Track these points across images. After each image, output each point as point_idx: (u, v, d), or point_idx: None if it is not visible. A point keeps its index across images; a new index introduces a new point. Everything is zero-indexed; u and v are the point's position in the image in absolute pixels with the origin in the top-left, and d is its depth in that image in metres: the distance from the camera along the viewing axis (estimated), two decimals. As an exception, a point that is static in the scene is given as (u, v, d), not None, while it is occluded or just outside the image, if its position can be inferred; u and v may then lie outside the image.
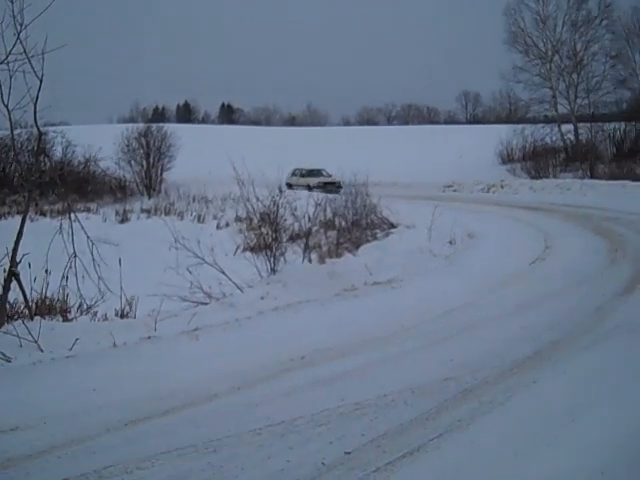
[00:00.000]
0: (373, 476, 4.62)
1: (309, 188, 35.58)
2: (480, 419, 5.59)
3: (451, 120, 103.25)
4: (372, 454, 4.96)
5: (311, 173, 41.36)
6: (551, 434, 5.22)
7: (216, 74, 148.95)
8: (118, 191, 34.04)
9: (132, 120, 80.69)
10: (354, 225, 18.53)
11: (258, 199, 14.11)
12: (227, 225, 22.94)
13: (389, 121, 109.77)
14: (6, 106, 8.71)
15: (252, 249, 14.67)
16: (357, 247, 15.50)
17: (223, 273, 11.51)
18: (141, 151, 37.22)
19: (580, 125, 44.25)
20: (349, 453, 4.97)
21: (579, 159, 40.80)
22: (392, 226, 18.91)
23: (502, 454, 4.91)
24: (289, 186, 34.59)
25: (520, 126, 45.57)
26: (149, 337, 8.32)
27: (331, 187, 35.85)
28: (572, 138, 44.64)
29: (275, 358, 7.53)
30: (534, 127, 45.02)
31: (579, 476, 4.49)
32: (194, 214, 26.15)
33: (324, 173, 40.97)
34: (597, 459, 4.71)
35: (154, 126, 40.15)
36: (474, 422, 5.53)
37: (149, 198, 33.73)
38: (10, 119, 8.91)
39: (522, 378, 6.59)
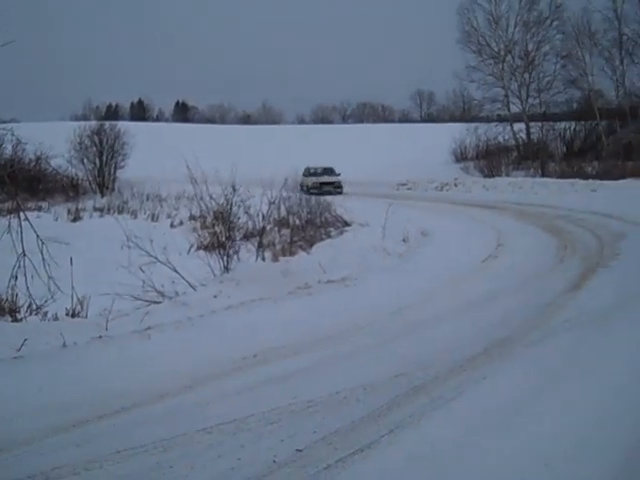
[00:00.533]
0: (324, 473, 4.62)
1: (307, 189, 34.22)
2: (430, 414, 5.63)
3: (405, 119, 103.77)
4: (323, 451, 4.96)
5: (315, 173, 39.66)
6: (498, 428, 5.29)
7: (170, 72, 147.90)
8: (70, 190, 33.60)
9: (85, 118, 79.80)
10: (308, 223, 18.55)
11: (212, 197, 14.05)
12: (181, 224, 22.79)
13: (344, 119, 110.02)
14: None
15: (206, 248, 14.59)
16: (311, 245, 15.52)
17: (176, 272, 11.44)
18: (94, 149, 36.84)
19: (532, 124, 44.88)
20: (301, 450, 4.97)
21: (531, 158, 41.40)
22: (346, 224, 18.98)
23: (451, 448, 4.95)
24: (301, 188, 33.34)
25: (473, 125, 46.07)
26: (100, 337, 8.23)
27: (328, 188, 35.72)
28: (524, 137, 45.26)
29: (227, 356, 7.50)
30: (487, 126, 45.56)
31: (524, 468, 4.54)
32: (148, 213, 25.93)
33: (330, 172, 39.65)
34: (542, 451, 4.78)
35: (107, 124, 39.79)
36: (424, 417, 5.56)
37: (102, 197, 33.40)
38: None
39: (472, 374, 6.64)
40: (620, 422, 5.22)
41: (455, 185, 35.44)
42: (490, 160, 42.34)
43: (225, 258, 12.43)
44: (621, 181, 27.19)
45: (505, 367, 6.84)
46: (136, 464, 4.83)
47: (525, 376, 6.50)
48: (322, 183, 37.29)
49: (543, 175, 36.50)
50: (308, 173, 39.23)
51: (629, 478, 4.31)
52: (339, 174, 39.19)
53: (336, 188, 36.43)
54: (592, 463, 4.56)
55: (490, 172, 40.09)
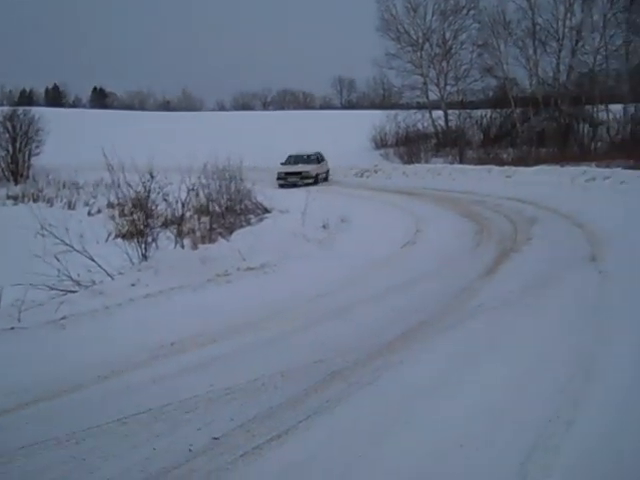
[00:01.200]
0: (241, 460, 4.63)
1: (281, 180, 32.00)
2: (348, 400, 5.68)
3: (327, 105, 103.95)
4: (241, 438, 4.96)
5: (290, 161, 34.43)
6: (415, 411, 5.37)
7: (87, 57, 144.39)
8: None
9: (-4, 103, 77.34)
10: (228, 210, 18.43)
11: (130, 185, 13.83)
12: (99, 212, 22.38)
13: (265, 106, 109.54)
14: None
15: (124, 236, 14.35)
16: (231, 233, 15.43)
17: (93, 260, 11.22)
18: (7, 135, 35.81)
19: (450, 111, 45.49)
20: (217, 438, 4.96)
21: (449, 145, 42.02)
22: (266, 211, 18.95)
23: (367, 431, 5.01)
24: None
25: (393, 112, 46.42)
26: (12, 328, 8.05)
27: (293, 179, 31.70)
28: (442, 124, 45.87)
29: (144, 345, 7.41)
30: (406, 113, 45.97)
31: (440, 450, 4.63)
32: (64, 201, 25.36)
33: (311, 160, 34.25)
34: (457, 433, 4.88)
35: (20, 109, 38.68)
36: (342, 403, 5.61)
37: (16, 184, 32.52)
38: None
39: (390, 358, 6.72)
40: (532, 403, 5.36)
41: (375, 172, 35.67)
42: (409, 147, 42.79)
43: (143, 246, 12.26)
44: (535, 167, 27.80)
45: (422, 351, 6.94)
46: (48, 458, 4.74)
47: (441, 359, 6.62)
48: (287, 173, 32.37)
49: (461, 162, 37.09)
50: (287, 161, 34.51)
51: (540, 457, 4.43)
52: (321, 161, 34.68)
53: (303, 179, 31.62)
54: (506, 443, 4.68)
55: (409, 159, 40.52)
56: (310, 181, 31.59)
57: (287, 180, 31.56)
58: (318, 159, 34.55)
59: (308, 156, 34.47)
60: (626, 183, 20.41)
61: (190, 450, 4.78)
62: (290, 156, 34.62)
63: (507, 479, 4.19)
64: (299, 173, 32.04)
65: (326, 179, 34.38)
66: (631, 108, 36.66)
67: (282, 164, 33.69)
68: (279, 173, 32.33)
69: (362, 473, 4.42)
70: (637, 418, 4.91)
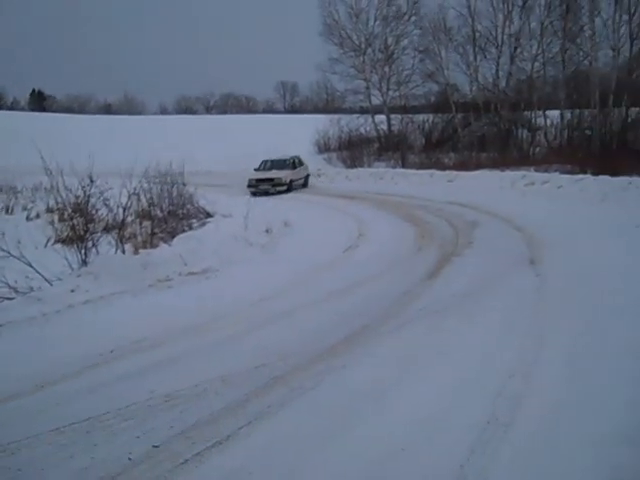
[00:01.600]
0: (181, 468, 4.58)
1: (252, 188, 28.90)
2: (289, 405, 5.67)
3: (270, 110, 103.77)
4: (181, 446, 4.92)
5: (265, 167, 31.29)
6: (357, 415, 5.38)
7: (26, 60, 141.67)
8: None
9: None
10: (170, 215, 18.26)
11: (69, 189, 13.62)
12: (38, 216, 21.92)
13: (208, 110, 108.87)
14: None
15: (63, 241, 14.14)
16: (173, 237, 15.29)
17: (30, 266, 11.00)
18: (-59, 138, 34.97)
19: (392, 116, 45.82)
20: (157, 446, 4.90)
21: (391, 149, 42.29)
22: (209, 215, 18.81)
23: (310, 436, 5.01)
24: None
25: (336, 116, 46.57)
26: (-55, 336, 7.84)
27: (265, 186, 28.58)
28: (385, 128, 46.18)
29: (83, 353, 7.30)
30: (349, 117, 46.18)
31: (381, 453, 4.65)
32: (1, 205, 24.79)
33: (286, 164, 30.93)
34: (399, 436, 4.90)
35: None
36: (284, 408, 5.60)
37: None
38: None
39: (332, 363, 6.73)
40: (472, 406, 5.41)
41: (318, 175, 35.70)
42: (352, 151, 42.94)
43: (83, 251, 12.06)
44: (476, 172, 28.17)
45: (364, 355, 6.95)
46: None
47: (383, 363, 6.64)
48: (258, 180, 29.05)
49: (403, 166, 37.37)
50: (260, 166, 31.28)
51: (478, 459, 4.48)
52: (298, 166, 31.36)
53: (275, 186, 28.50)
54: (446, 446, 4.72)
55: (352, 163, 40.66)
56: (283, 188, 28.53)
57: (258, 188, 28.36)
58: (294, 163, 31.26)
59: (284, 161, 31.21)
60: (563, 188, 20.81)
61: (129, 459, 4.71)
62: (264, 161, 31.61)
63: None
64: (271, 180, 28.72)
65: (305, 185, 31.26)
66: (568, 114, 37.40)
67: (255, 170, 30.71)
68: (250, 180, 29.00)
69: (304, 479, 4.41)
70: (572, 416, 5.00)
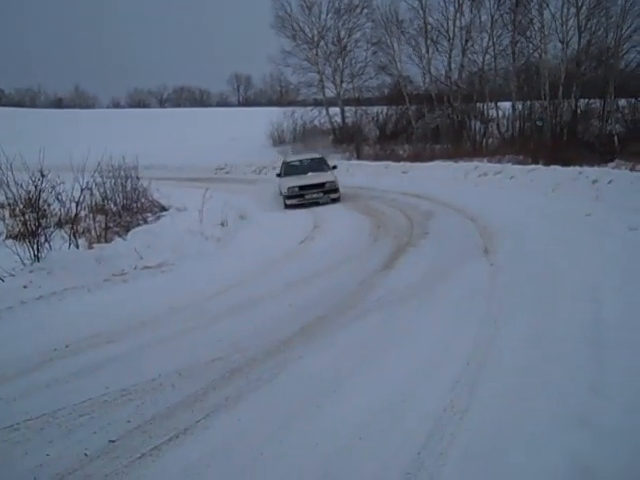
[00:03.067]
0: (138, 462, 4.56)
1: (284, 199, 21.77)
2: (247, 397, 5.66)
3: (224, 103, 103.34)
4: (138, 440, 4.89)
5: (295, 169, 23.55)
6: (315, 406, 5.39)
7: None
8: None
9: None
10: (124, 209, 18.08)
11: (20, 185, 13.41)
12: (-13, 212, 21.57)
13: (161, 104, 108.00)
14: None
15: (15, 237, 13.92)
16: (127, 231, 15.14)
17: (-20, 263, 10.84)
18: None
19: (347, 108, 45.95)
20: (114, 441, 4.87)
21: (346, 141, 42.42)
22: (163, 209, 18.68)
23: (268, 428, 5.01)
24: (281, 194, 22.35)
25: (290, 109, 46.54)
26: None
27: (315, 194, 21.46)
28: (339, 121, 46.28)
29: (37, 349, 7.21)
30: (304, 110, 46.19)
31: (339, 441, 4.66)
32: (-52, 201, 24.33)
33: (319, 165, 23.58)
34: (356, 424, 4.92)
35: None
36: (241, 400, 5.59)
37: None
38: None
39: (289, 354, 6.73)
40: (429, 394, 5.45)
41: (273, 168, 35.62)
42: (307, 143, 43.01)
43: (36, 247, 11.89)
44: (430, 163, 28.33)
45: (321, 346, 6.95)
46: None
47: (341, 354, 6.64)
48: (303, 187, 21.55)
49: (358, 158, 37.48)
50: (286, 171, 23.52)
51: (435, 446, 4.52)
52: (333, 167, 23.71)
53: (328, 193, 21.52)
54: (404, 434, 4.75)
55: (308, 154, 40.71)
56: (336, 195, 21.49)
57: (305, 197, 21.23)
58: (324, 163, 23.79)
59: (317, 160, 24.19)
60: (515, 178, 21.03)
61: (86, 455, 4.68)
62: (289, 164, 24.05)
63: (405, 469, 4.26)
64: (321, 185, 21.49)
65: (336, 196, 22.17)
66: (519, 105, 37.86)
67: (280, 176, 23.47)
68: (291, 189, 21.41)
69: (264, 471, 4.41)
70: (528, 402, 5.07)
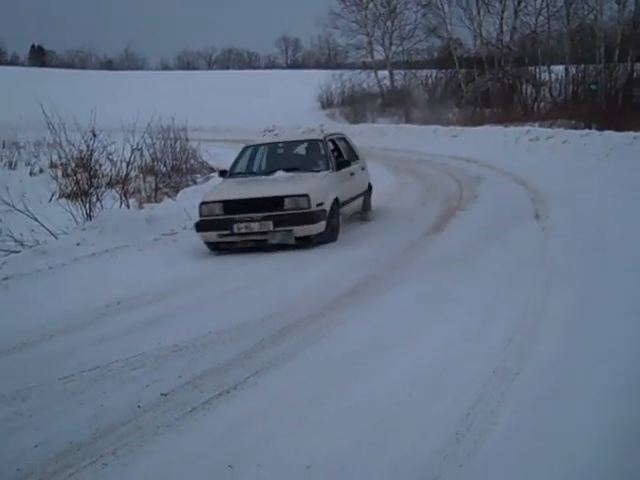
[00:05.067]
0: (189, 416, 4.61)
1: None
2: (297, 355, 5.67)
3: (272, 65, 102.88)
4: (189, 395, 4.95)
5: (250, 164, 11.83)
6: (364, 363, 5.36)
7: (25, 14, 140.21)
8: None
9: None
10: (174, 170, 18.25)
11: (72, 144, 13.60)
12: (41, 171, 21.89)
13: (210, 65, 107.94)
14: None
15: (68, 196, 14.17)
16: (177, 192, 15.32)
17: (36, 220, 11.04)
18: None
19: (395, 72, 45.55)
20: (165, 395, 4.94)
21: (395, 105, 42.11)
22: (212, 170, 18.79)
23: (316, 386, 5.01)
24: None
25: (338, 72, 46.28)
26: (-48, 288, 7.91)
27: (255, 234, 9.86)
28: (388, 84, 45.87)
29: (90, 305, 7.36)
30: (352, 73, 45.87)
31: (386, 400, 4.66)
32: (4, 160, 24.76)
33: (312, 153, 11.68)
34: (403, 385, 4.91)
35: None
36: (291, 359, 5.59)
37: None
38: None
39: (339, 314, 6.72)
40: (478, 356, 5.40)
41: (321, 131, 35.58)
42: (355, 107, 42.81)
43: (88, 206, 12.10)
44: (479, 127, 28.07)
45: (369, 307, 6.95)
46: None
47: (389, 315, 6.61)
48: (236, 206, 10.00)
49: (407, 122, 37.23)
50: (240, 166, 11.73)
51: (485, 407, 4.50)
52: (348, 162, 11.63)
53: (289, 223, 9.82)
54: (453, 394, 4.71)
55: (355, 118, 40.52)
56: (317, 228, 9.99)
57: (234, 232, 9.84)
58: (337, 153, 11.97)
59: (303, 143, 12.37)
60: (568, 143, 20.72)
61: (139, 407, 4.76)
62: (253, 150, 12.11)
63: (453, 427, 4.24)
64: (274, 204, 9.93)
65: (365, 209, 12.61)
66: (572, 69, 37.10)
67: (225, 176, 11.79)
68: (207, 207, 10.14)
69: (313, 425, 4.42)
70: (579, 367, 5.02)
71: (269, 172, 11.09)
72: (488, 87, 39.89)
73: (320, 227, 9.95)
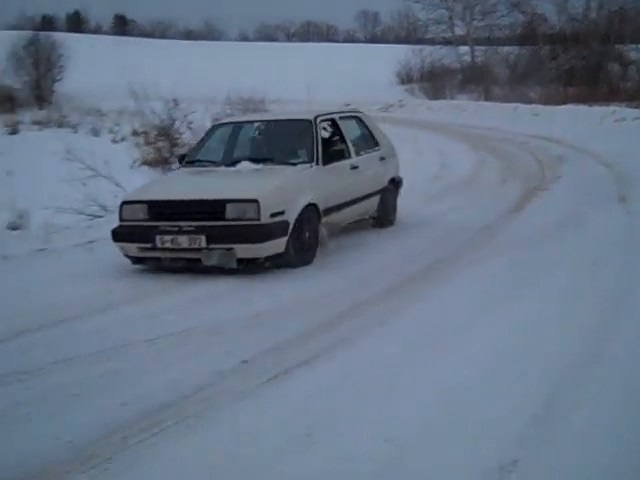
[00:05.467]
0: (269, 383, 4.64)
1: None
2: (372, 331, 5.63)
3: (350, 39, 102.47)
4: (269, 362, 4.99)
5: (226, 149, 9.11)
6: (442, 342, 5.31)
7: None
8: (6, 101, 32.57)
9: (19, 28, 76.65)
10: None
11: (154, 112, 13.83)
12: (123, 139, 22.35)
13: (288, 38, 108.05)
14: None
15: (149, 163, 14.44)
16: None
17: (119, 185, 11.30)
18: (29, 60, 35.66)
19: (476, 48, 44.81)
20: (246, 362, 5.00)
21: (475, 81, 41.48)
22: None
23: (398, 362, 4.97)
24: None
25: (418, 47, 45.78)
26: (42, 249, 8.15)
27: (191, 242, 7.16)
28: (468, 60, 45.18)
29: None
30: (432, 48, 45.30)
31: (472, 378, 4.60)
32: (89, 127, 25.35)
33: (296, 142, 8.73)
34: (488, 361, 4.86)
35: (43, 34, 38.46)
36: (369, 332, 5.58)
37: (40, 109, 32.46)
38: None
39: (412, 293, 6.66)
40: (562, 339, 5.29)
41: (400, 106, 35.37)
42: (434, 82, 42.35)
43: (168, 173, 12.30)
44: (562, 106, 27.42)
45: (445, 287, 6.86)
46: (81, 372, 4.83)
47: (464, 296, 6.49)
48: (163, 209, 7.52)
49: (487, 99, 36.69)
50: (204, 152, 9.05)
51: (569, 384, 4.43)
52: (359, 150, 9.27)
53: (226, 240, 7.07)
54: (535, 377, 4.63)
55: (434, 94, 40.14)
56: (274, 247, 7.27)
57: (156, 245, 7.27)
58: (314, 142, 8.34)
59: (285, 124, 9.33)
60: (657, 124, 20.15)
61: (219, 372, 4.83)
62: (223, 129, 9.48)
63: (535, 412, 4.17)
64: (210, 208, 7.30)
65: (389, 220, 10.01)
66: (663, 47, 35.91)
67: (182, 163, 9.08)
68: (128, 210, 7.69)
69: (395, 397, 4.38)
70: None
71: (232, 162, 8.40)
72: (572, 65, 38.87)
73: (275, 246, 7.17)
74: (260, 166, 8.14)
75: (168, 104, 14.14)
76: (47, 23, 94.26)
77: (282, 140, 8.91)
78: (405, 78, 47.67)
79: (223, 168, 8.39)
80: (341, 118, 9.29)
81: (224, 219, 7.10)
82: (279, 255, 7.31)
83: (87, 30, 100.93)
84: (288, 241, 7.29)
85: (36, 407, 4.34)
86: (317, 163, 8.15)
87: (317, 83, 34.60)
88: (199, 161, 8.76)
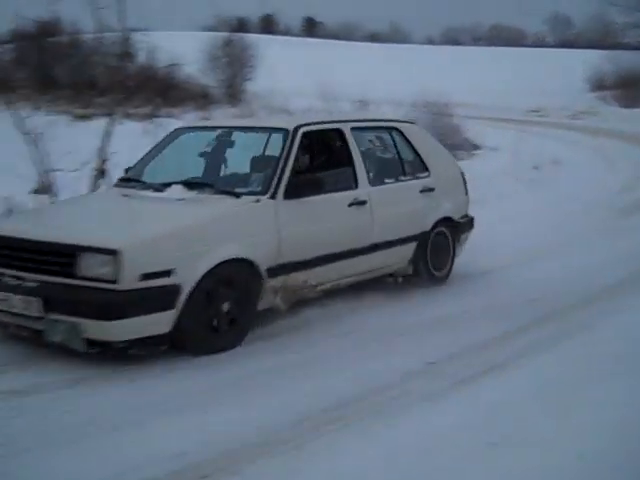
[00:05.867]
0: (456, 387, 4.61)
1: None
2: (565, 341, 5.47)
3: (540, 43, 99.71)
4: (457, 365, 4.97)
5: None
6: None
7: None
8: (201, 98, 34.18)
9: (214, 29, 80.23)
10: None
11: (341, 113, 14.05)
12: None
13: (475, 42, 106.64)
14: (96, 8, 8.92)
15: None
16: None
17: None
18: (224, 60, 37.28)
19: (682, 54, 42.29)
20: (432, 363, 5.02)
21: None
22: (476, 148, 18.65)
23: (587, 374, 4.79)
24: None
25: (613, 52, 43.85)
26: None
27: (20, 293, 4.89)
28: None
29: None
30: (630, 53, 43.18)
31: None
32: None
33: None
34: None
35: (236, 35, 40.11)
36: (559, 343, 5.41)
37: (231, 107, 33.80)
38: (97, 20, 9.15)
39: (612, 302, 6.46)
40: None
41: (591, 114, 33.94)
42: (629, 90, 40.35)
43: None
44: None
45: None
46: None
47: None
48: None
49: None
50: (152, 169, 6.52)
51: None
52: (413, 176, 7.24)
53: (81, 305, 4.72)
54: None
55: (628, 103, 38.25)
56: (126, 336, 4.74)
57: None
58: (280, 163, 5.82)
59: (257, 131, 6.82)
60: None
61: (405, 372, 4.85)
62: (182, 135, 6.91)
63: None
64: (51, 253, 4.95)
65: (444, 273, 7.45)
66: None
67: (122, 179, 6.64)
68: None
69: (584, 413, 4.20)
70: None
71: (164, 184, 5.97)
72: None
73: (144, 326, 4.75)
74: (193, 194, 5.71)
75: (354, 105, 14.35)
76: (241, 25, 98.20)
77: (240, 157, 6.57)
78: (596, 85, 45.82)
79: (149, 192, 5.95)
80: (358, 129, 6.65)
81: (73, 276, 4.77)
82: (159, 339, 4.83)
83: (278, 32, 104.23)
84: (180, 318, 4.88)
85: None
86: (274, 195, 5.60)
87: (501, 87, 33.95)
88: (133, 180, 6.39)
